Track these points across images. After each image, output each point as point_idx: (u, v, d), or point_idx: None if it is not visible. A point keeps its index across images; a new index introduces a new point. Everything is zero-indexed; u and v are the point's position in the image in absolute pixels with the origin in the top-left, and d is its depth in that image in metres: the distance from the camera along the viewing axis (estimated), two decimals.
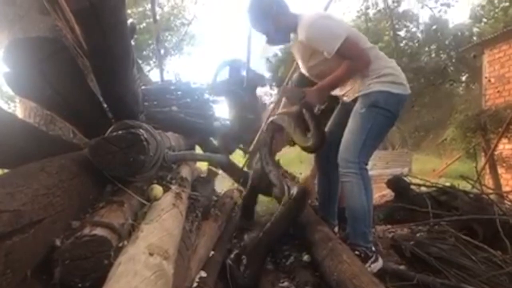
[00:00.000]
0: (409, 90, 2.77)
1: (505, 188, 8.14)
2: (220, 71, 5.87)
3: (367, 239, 2.62)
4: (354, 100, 2.78)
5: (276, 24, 2.79)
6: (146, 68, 18.21)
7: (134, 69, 1.43)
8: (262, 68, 20.04)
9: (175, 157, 1.52)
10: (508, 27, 11.44)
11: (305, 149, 3.01)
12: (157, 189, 1.42)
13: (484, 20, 17.74)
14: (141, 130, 1.20)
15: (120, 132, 1.18)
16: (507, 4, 16.05)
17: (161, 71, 5.48)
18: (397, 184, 3.47)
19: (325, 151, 3.00)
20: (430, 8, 15.30)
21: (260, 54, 19.92)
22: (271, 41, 2.94)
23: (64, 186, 1.06)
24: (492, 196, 3.11)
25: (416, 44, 17.99)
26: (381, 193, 7.44)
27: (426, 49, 18.11)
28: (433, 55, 18.72)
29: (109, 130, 1.32)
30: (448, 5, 15.81)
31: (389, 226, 3.72)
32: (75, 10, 1.04)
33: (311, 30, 2.64)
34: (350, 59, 2.63)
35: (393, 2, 12.75)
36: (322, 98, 2.93)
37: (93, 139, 1.18)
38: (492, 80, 9.88)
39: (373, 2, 11.12)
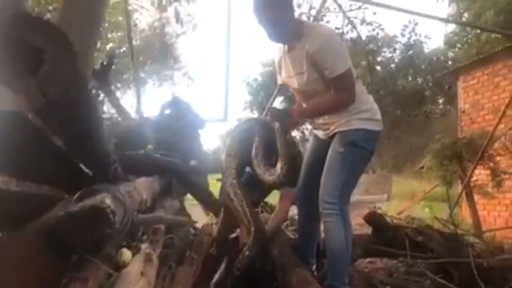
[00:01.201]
0: (382, 126, 2.79)
1: (481, 213, 8.26)
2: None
3: (344, 280, 2.63)
4: (331, 136, 2.78)
5: (287, 18, 2.59)
6: (127, 92, 18.12)
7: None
8: (243, 92, 20.12)
9: (144, 220, 1.49)
10: (481, 53, 11.78)
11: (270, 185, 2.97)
12: (126, 254, 1.39)
13: (458, 45, 18.16)
14: (106, 201, 1.17)
15: (84, 205, 1.14)
16: (479, 31, 16.48)
17: (138, 99, 5.41)
18: (374, 219, 3.47)
19: (305, 187, 3.00)
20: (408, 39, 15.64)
21: (243, 77, 20.06)
22: (274, 35, 2.67)
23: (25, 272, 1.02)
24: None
25: (393, 69, 18.32)
26: (360, 222, 7.47)
27: (403, 74, 18.45)
28: (410, 79, 19.10)
29: (75, 197, 1.29)
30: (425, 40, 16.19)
31: (367, 261, 3.72)
32: (33, 110, 1.01)
33: (327, 43, 2.53)
34: (344, 90, 2.57)
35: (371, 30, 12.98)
36: (302, 121, 2.89)
37: (56, 215, 1.14)
38: (467, 106, 10.10)
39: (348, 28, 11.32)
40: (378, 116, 2.76)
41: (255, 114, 19.72)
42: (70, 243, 1.15)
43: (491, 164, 6.47)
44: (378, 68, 17.91)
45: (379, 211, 7.99)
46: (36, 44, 1.01)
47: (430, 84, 18.37)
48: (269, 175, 2.79)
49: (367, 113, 2.69)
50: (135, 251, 1.47)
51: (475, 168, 6.29)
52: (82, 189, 1.73)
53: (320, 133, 2.91)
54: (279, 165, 2.74)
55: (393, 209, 9.46)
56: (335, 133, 2.73)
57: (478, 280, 2.37)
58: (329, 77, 2.53)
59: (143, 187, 2.08)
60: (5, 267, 1.18)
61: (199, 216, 5.58)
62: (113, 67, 4.51)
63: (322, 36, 2.54)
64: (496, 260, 2.48)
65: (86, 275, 1.16)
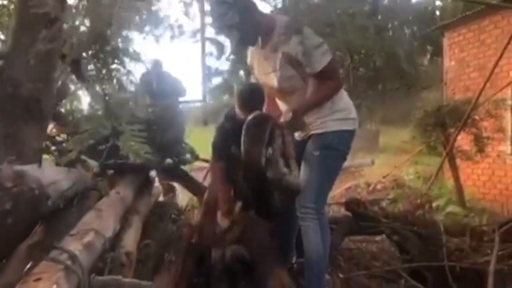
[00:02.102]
0: (357, 123, 2.74)
1: (465, 171, 8.38)
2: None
3: (321, 284, 2.66)
4: (308, 136, 2.73)
5: (252, 20, 2.49)
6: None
7: None
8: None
9: (101, 283, 1.46)
10: (469, 4, 11.56)
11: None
12: None
13: None
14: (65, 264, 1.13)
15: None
16: None
17: None
18: (354, 209, 3.49)
19: None
20: None
21: None
22: (242, 41, 2.60)
23: None
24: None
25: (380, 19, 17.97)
26: (346, 186, 7.56)
27: (390, 25, 18.12)
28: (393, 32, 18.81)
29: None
30: None
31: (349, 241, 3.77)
32: None
33: (304, 39, 2.46)
34: (330, 79, 2.52)
35: None
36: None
37: None
38: (453, 63, 10.00)
39: None
40: (353, 114, 2.71)
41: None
42: None
43: (474, 130, 6.48)
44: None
45: (363, 182, 8.09)
46: None
47: (417, 35, 18.10)
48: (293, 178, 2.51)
49: (341, 112, 2.63)
50: None
51: (458, 134, 6.30)
52: None
53: (296, 134, 2.85)
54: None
55: (378, 171, 9.57)
56: (311, 135, 2.68)
57: (451, 283, 2.41)
58: (312, 73, 2.49)
59: (109, 214, 2.04)
60: None
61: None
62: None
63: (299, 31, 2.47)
64: (467, 263, 2.51)
65: None
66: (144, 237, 2.93)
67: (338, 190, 7.53)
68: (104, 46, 3.78)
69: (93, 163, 2.36)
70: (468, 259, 2.55)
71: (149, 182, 3.81)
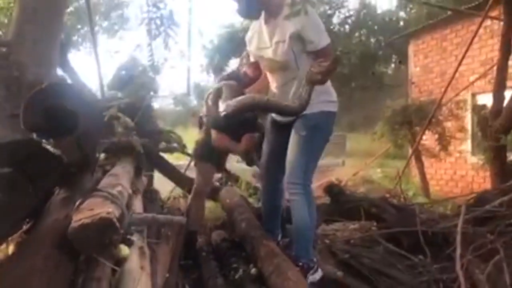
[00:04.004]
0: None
1: (429, 170, 8.87)
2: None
3: (309, 252, 2.86)
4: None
5: None
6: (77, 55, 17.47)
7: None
8: (199, 55, 19.89)
9: (137, 220, 1.68)
10: (431, 14, 12.21)
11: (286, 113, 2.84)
12: (124, 250, 1.58)
13: (410, 6, 18.56)
14: (111, 210, 1.35)
15: (94, 217, 1.32)
16: None
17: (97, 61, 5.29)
18: (332, 191, 3.77)
19: (268, 169, 3.20)
20: None
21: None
22: (244, 11, 2.77)
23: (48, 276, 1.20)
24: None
25: (347, 29, 18.60)
26: (318, 184, 7.87)
27: (357, 34, 18.76)
28: (363, 39, 19.47)
29: (78, 203, 1.47)
30: None
31: (328, 228, 4.04)
32: None
33: (311, 20, 2.63)
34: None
35: None
36: None
37: (72, 227, 1.32)
38: (418, 69, 10.58)
39: None
40: (335, 97, 2.92)
41: (211, 77, 19.67)
42: (82, 249, 1.34)
43: (439, 129, 6.93)
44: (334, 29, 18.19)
45: (335, 179, 8.43)
46: (70, 107, 1.17)
47: (382, 44, 18.78)
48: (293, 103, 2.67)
49: (326, 95, 2.82)
50: (129, 244, 1.66)
51: (423, 133, 6.72)
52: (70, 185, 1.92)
53: (279, 118, 3.02)
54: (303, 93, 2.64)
55: (348, 171, 9.95)
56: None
57: (424, 245, 2.72)
58: (313, 50, 2.66)
59: (125, 179, 2.25)
60: (18, 269, 1.35)
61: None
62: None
63: (309, 12, 2.59)
64: (438, 228, 2.84)
65: (98, 275, 1.36)
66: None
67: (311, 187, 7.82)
68: None
69: (129, 121, 2.52)
70: (439, 225, 2.88)
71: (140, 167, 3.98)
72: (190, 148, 5.36)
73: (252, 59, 3.14)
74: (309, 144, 2.81)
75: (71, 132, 1.31)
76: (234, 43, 16.31)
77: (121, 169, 2.51)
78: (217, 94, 3.09)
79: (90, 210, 1.42)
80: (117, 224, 1.33)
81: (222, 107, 2.80)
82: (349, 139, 17.70)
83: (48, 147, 1.45)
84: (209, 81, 19.34)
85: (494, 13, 6.07)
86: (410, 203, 3.22)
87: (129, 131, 2.56)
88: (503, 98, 4.95)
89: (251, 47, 3.00)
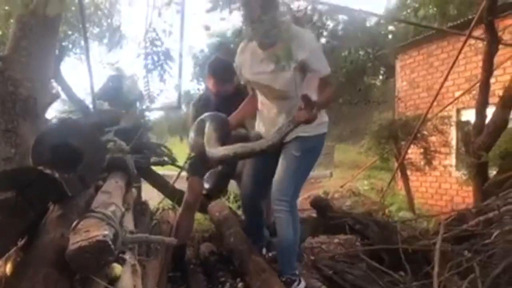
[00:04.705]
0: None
1: (415, 184, 9.04)
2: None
3: (292, 266, 2.96)
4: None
5: (275, 19, 2.57)
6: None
7: None
8: (189, 63, 19.97)
9: (131, 240, 1.76)
10: (418, 29, 12.45)
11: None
12: (117, 268, 1.65)
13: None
14: (106, 233, 1.44)
15: (91, 240, 1.40)
16: (417, 5, 17.17)
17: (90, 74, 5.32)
18: (318, 205, 3.88)
19: (253, 187, 3.24)
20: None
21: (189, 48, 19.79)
22: (261, 36, 2.68)
23: None
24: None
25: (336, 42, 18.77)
26: (306, 195, 7.98)
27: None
28: (352, 51, 19.67)
29: (74, 225, 1.55)
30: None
31: (314, 241, 4.14)
32: None
33: (315, 48, 2.71)
34: (330, 86, 2.75)
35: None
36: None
37: (70, 250, 1.40)
38: (404, 83, 10.78)
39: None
40: (326, 117, 2.98)
41: (201, 86, 19.72)
42: (79, 270, 1.42)
43: (423, 144, 7.09)
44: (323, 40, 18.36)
45: (323, 191, 8.56)
46: (76, 145, 1.26)
47: (370, 56, 19.00)
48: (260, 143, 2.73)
49: (321, 117, 2.84)
50: (122, 262, 1.74)
51: (409, 147, 6.88)
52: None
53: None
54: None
55: (336, 182, 10.12)
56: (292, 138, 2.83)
57: (405, 262, 2.83)
58: (319, 76, 2.63)
59: (117, 196, 2.33)
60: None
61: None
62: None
63: (310, 42, 2.71)
64: (418, 246, 2.95)
65: None
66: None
67: (299, 199, 7.94)
68: None
69: (123, 144, 2.58)
70: (419, 242, 2.99)
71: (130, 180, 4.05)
72: (182, 160, 5.45)
73: (242, 82, 3.16)
74: (302, 164, 2.90)
75: (75, 168, 1.41)
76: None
77: (114, 184, 2.58)
78: (201, 126, 3.06)
79: (86, 231, 1.51)
80: (112, 246, 1.42)
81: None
82: (338, 149, 17.91)
83: (48, 172, 1.53)
84: (200, 89, 19.37)
85: (478, 31, 6.27)
86: (392, 220, 3.32)
87: (124, 154, 2.63)
88: (485, 115, 5.09)
89: (244, 72, 2.98)
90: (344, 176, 11.55)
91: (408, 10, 17.95)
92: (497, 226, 2.64)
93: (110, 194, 2.26)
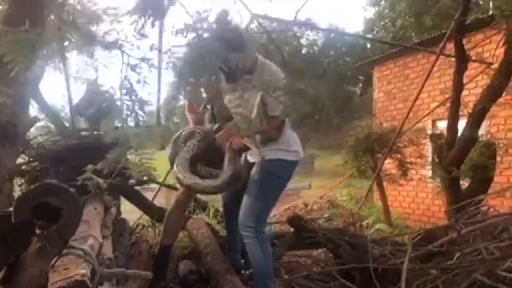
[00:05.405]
0: (301, 155, 3.10)
1: (392, 193, 9.23)
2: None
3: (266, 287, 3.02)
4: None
5: (247, 59, 2.70)
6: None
7: None
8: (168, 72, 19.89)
9: (108, 274, 1.84)
10: (396, 38, 12.79)
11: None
12: None
13: (376, 29, 19.26)
14: (84, 271, 1.52)
15: (70, 280, 1.48)
16: (394, 15, 17.56)
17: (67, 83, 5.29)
18: (294, 223, 3.98)
19: (232, 202, 3.28)
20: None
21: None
22: (232, 79, 2.76)
23: None
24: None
25: (316, 51, 19.10)
26: (285, 207, 8.10)
27: (325, 55, 19.29)
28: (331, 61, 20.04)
29: (53, 263, 1.63)
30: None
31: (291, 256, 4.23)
32: None
33: (276, 83, 2.75)
34: (276, 128, 2.86)
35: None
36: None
37: None
38: (381, 94, 11.01)
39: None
40: (296, 147, 3.04)
41: (181, 93, 19.67)
42: None
43: (399, 156, 7.28)
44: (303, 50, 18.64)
45: (301, 203, 8.69)
46: (55, 204, 1.36)
47: (350, 66, 19.34)
48: (212, 182, 2.91)
49: (285, 144, 2.96)
50: None
51: (384, 159, 7.06)
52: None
53: (249, 156, 3.18)
54: (225, 174, 2.90)
55: (315, 192, 10.27)
56: (253, 162, 3.02)
57: (375, 281, 2.96)
58: (269, 114, 2.77)
59: (96, 226, 2.41)
60: None
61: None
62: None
63: (274, 75, 2.81)
64: (387, 265, 3.08)
65: None
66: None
67: (278, 211, 8.07)
68: None
69: (101, 182, 2.62)
70: (389, 261, 3.12)
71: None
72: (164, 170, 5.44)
73: None
74: (262, 189, 2.94)
75: (54, 224, 1.50)
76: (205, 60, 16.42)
77: (93, 212, 2.66)
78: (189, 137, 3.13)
79: (66, 269, 1.59)
80: (90, 285, 1.50)
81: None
82: (319, 158, 18.12)
83: (29, 218, 1.61)
84: (181, 99, 19.34)
85: (450, 45, 6.47)
86: (365, 240, 3.45)
87: (102, 193, 2.71)
88: (456, 130, 5.25)
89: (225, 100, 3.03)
90: (324, 185, 11.73)
91: (386, 20, 18.35)
92: (459, 247, 2.78)
93: (89, 224, 2.34)
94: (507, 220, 2.85)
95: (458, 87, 5.27)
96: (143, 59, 1.52)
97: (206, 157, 3.13)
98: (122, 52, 1.53)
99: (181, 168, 2.91)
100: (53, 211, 1.54)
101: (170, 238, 3.59)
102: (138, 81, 1.61)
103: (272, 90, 2.69)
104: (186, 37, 2.13)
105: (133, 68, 1.47)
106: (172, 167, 3.10)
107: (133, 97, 1.45)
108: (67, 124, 4.94)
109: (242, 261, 3.55)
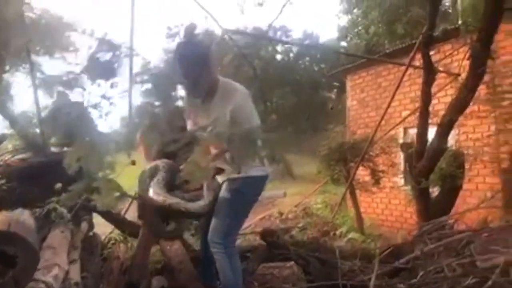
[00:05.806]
0: (269, 169, 3.03)
1: (366, 199, 9.34)
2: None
3: None
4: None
5: (210, 76, 2.77)
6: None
7: None
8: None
9: None
10: (369, 45, 12.98)
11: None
12: None
13: (350, 35, 19.49)
14: None
15: None
16: (367, 22, 17.80)
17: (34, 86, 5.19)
18: (267, 238, 4.01)
19: (208, 222, 3.26)
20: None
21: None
22: (195, 92, 2.88)
23: None
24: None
25: (292, 58, 19.22)
26: (260, 216, 8.13)
27: (300, 62, 19.41)
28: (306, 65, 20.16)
29: None
30: None
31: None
32: None
33: (245, 102, 2.82)
34: None
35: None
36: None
37: None
38: (355, 102, 11.14)
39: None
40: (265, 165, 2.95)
41: (156, 103, 19.55)
42: None
43: (371, 165, 7.39)
44: (278, 57, 18.78)
45: (277, 211, 8.73)
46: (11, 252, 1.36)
47: (324, 73, 19.50)
48: (195, 205, 2.95)
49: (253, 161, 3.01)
50: None
51: (357, 168, 7.15)
52: None
53: (218, 177, 3.13)
54: (205, 199, 2.97)
55: (290, 199, 10.29)
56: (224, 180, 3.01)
57: None
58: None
59: (63, 251, 2.39)
60: None
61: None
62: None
63: (241, 95, 2.83)
64: (356, 281, 3.13)
65: None
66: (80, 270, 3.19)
67: (254, 220, 8.11)
68: None
69: (65, 212, 2.59)
70: (357, 277, 3.17)
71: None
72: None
73: None
74: (231, 207, 2.96)
75: (10, 270, 1.49)
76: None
77: (59, 236, 2.63)
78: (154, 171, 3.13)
79: None
80: None
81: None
82: (295, 163, 18.13)
83: None
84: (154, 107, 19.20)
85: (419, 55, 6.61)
86: (334, 256, 3.49)
87: (65, 222, 2.69)
88: (426, 140, 5.36)
89: (188, 123, 3.08)
90: (300, 192, 11.75)
91: (360, 28, 18.59)
92: (422, 264, 2.84)
93: (55, 251, 2.32)
94: (470, 236, 2.92)
95: (426, 98, 5.39)
96: (103, 97, 1.52)
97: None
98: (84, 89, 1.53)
99: (159, 191, 2.90)
100: (9, 257, 1.53)
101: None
102: (100, 116, 1.61)
103: (237, 106, 2.74)
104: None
105: (94, 106, 1.47)
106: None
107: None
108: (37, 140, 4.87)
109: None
